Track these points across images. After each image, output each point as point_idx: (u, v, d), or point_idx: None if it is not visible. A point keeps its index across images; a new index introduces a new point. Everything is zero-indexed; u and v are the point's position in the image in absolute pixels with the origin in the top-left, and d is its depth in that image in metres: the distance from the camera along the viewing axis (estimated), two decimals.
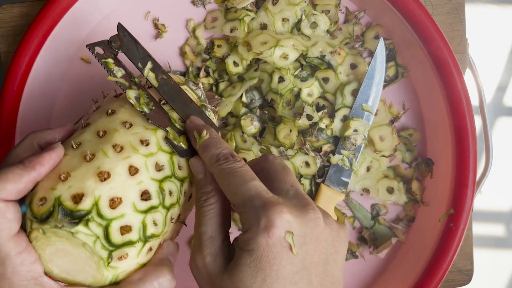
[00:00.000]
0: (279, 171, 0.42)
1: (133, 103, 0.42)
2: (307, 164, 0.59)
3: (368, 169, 0.59)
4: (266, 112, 0.59)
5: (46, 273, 0.40)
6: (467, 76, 0.61)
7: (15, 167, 0.38)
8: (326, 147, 0.58)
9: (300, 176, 0.59)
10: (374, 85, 0.58)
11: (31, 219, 0.39)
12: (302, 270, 0.37)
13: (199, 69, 0.60)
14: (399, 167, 0.60)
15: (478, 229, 0.86)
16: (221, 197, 0.41)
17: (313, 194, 0.59)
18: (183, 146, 0.43)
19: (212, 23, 0.60)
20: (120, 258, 0.39)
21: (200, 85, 0.50)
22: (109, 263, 0.39)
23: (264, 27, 0.58)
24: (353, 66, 0.59)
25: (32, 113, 0.58)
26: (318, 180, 0.59)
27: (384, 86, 0.60)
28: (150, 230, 0.40)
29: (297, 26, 0.59)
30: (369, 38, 0.60)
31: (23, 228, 0.40)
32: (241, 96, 0.58)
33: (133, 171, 0.40)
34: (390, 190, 0.59)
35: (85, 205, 0.38)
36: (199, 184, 0.43)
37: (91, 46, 0.44)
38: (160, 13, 0.60)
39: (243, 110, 0.59)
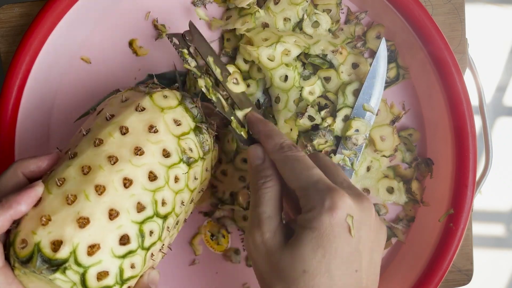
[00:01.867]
0: (331, 166, 0.46)
1: (204, 90, 0.47)
2: None
3: (368, 169, 0.59)
4: (266, 111, 0.59)
5: None
6: (467, 76, 0.61)
7: None
8: (327, 147, 0.58)
9: None
10: (376, 85, 0.58)
11: (14, 258, 0.40)
12: (356, 252, 0.40)
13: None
14: (399, 167, 0.60)
15: (478, 229, 0.85)
16: (277, 182, 0.45)
17: None
18: (243, 135, 0.49)
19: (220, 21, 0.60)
20: None
21: (198, 101, 0.50)
22: None
23: (266, 26, 0.58)
24: (355, 66, 0.59)
25: (32, 112, 0.57)
26: None
27: (385, 88, 0.60)
28: (128, 273, 0.41)
29: (298, 25, 0.59)
30: (371, 38, 0.60)
31: (8, 259, 0.40)
32: None
33: (113, 214, 0.40)
34: (390, 190, 0.59)
35: (63, 253, 0.38)
36: (257, 169, 0.46)
37: (169, 36, 0.49)
38: (160, 14, 0.60)
39: None
